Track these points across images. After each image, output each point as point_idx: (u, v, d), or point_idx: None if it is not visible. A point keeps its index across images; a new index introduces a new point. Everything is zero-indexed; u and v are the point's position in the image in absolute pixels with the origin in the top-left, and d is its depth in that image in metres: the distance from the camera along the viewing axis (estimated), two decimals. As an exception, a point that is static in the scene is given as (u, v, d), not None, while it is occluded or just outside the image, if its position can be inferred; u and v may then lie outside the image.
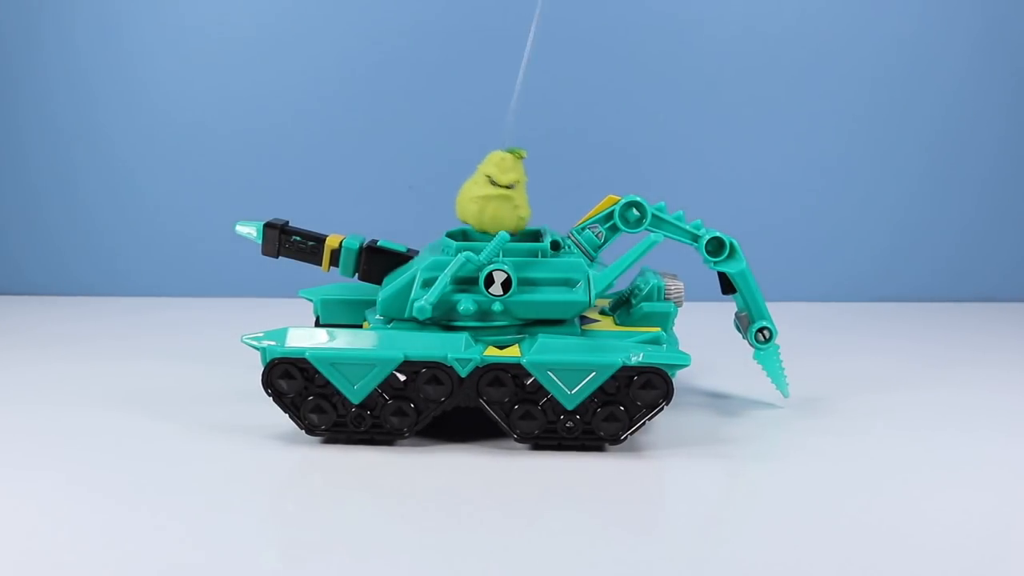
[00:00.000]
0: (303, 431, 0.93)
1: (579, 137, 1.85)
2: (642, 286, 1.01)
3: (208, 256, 1.86)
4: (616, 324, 1.01)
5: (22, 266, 1.90)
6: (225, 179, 1.85)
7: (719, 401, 1.10)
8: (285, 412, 0.92)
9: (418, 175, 1.85)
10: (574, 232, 1.01)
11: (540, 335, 0.92)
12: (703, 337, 1.18)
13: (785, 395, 1.07)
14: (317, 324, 1.11)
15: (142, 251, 1.88)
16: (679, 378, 1.14)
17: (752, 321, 1.03)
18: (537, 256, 0.94)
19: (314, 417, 0.92)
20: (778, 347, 1.05)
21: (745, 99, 1.85)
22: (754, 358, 1.05)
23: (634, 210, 1.00)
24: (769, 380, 1.07)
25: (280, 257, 1.05)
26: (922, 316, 1.72)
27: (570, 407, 0.90)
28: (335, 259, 1.03)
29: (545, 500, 0.79)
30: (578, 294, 0.92)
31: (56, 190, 1.88)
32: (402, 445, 0.92)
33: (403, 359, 0.89)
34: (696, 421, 1.02)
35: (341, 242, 1.02)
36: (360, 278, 1.05)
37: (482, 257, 0.91)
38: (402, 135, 1.84)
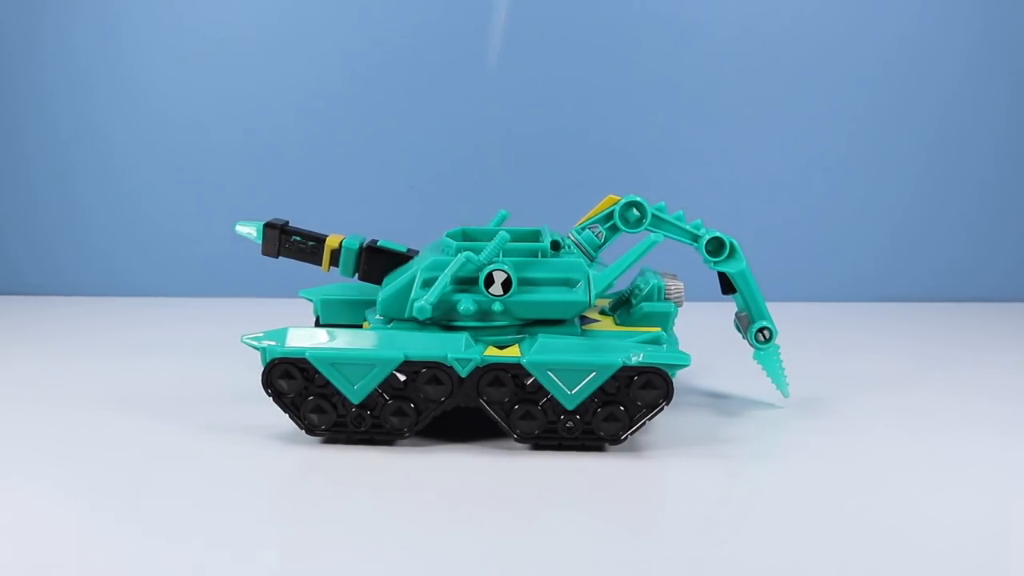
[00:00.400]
0: (303, 431, 0.93)
1: (579, 137, 1.85)
2: (642, 286, 1.01)
3: (206, 256, 1.86)
4: (616, 324, 1.01)
5: (19, 266, 1.90)
6: (223, 180, 1.85)
7: (719, 401, 1.10)
8: (285, 412, 0.92)
9: (418, 175, 1.85)
10: (574, 232, 1.01)
11: (540, 335, 0.92)
12: (703, 337, 1.18)
13: (785, 395, 1.07)
14: (317, 324, 1.11)
15: (140, 251, 1.88)
16: (679, 378, 1.13)
17: (752, 321, 1.03)
18: (537, 256, 0.94)
19: (314, 417, 0.92)
20: (778, 347, 1.04)
21: (745, 99, 1.85)
22: (754, 358, 1.05)
23: (634, 210, 1.00)
24: (769, 380, 1.07)
25: (280, 257, 1.05)
26: (923, 316, 1.72)
27: (570, 407, 0.90)
28: (335, 259, 1.03)
29: (545, 500, 0.79)
30: (578, 294, 0.92)
31: (53, 190, 1.87)
32: (402, 445, 0.92)
33: (403, 359, 0.89)
34: (696, 421, 1.02)
35: (341, 242, 1.02)
36: (360, 278, 1.05)
37: (482, 257, 0.91)
38: (402, 135, 1.84)
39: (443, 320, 0.92)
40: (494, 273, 0.91)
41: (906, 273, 1.92)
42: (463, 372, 0.89)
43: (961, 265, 1.93)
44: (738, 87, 1.84)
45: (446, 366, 0.89)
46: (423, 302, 0.90)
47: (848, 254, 1.91)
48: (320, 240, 1.03)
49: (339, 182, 1.85)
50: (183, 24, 1.80)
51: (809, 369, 1.21)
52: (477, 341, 0.92)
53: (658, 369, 0.89)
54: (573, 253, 0.98)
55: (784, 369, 1.06)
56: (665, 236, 1.00)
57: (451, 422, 0.97)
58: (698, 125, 1.85)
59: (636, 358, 0.89)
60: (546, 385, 0.89)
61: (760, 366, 1.06)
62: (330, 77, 1.81)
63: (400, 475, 0.84)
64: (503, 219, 1.11)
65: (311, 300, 1.11)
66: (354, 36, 1.80)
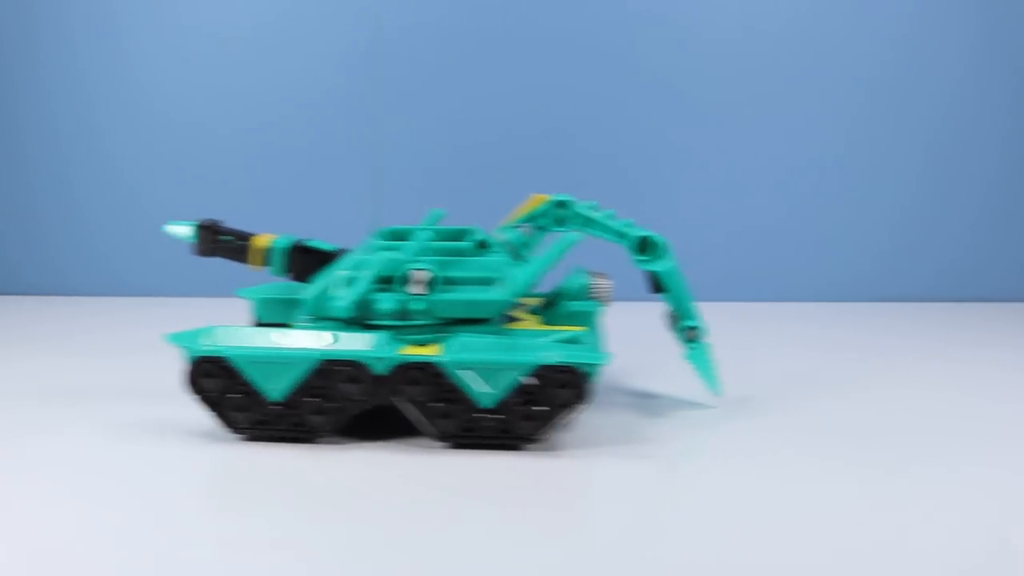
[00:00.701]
0: (226, 429, 0.94)
1: (579, 137, 1.86)
2: (568, 285, 1.01)
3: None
4: (543, 323, 1.01)
5: (18, 266, 1.93)
6: (222, 180, 1.87)
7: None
8: (208, 410, 0.93)
9: (417, 175, 1.86)
10: (502, 231, 1.01)
11: (460, 334, 0.92)
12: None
13: (717, 394, 1.06)
14: (258, 324, 1.12)
15: (139, 251, 1.91)
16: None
17: (680, 320, 1.02)
18: (460, 255, 0.95)
19: (236, 415, 0.93)
20: (708, 345, 1.04)
21: (744, 99, 1.85)
22: (685, 357, 1.05)
23: (562, 209, 1.00)
24: (701, 379, 1.06)
25: (215, 256, 1.06)
26: (924, 316, 1.71)
27: (488, 406, 0.90)
28: (267, 259, 1.04)
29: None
30: (499, 293, 0.92)
31: (52, 190, 1.90)
32: (324, 443, 0.93)
33: (321, 358, 0.90)
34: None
35: (271, 242, 1.03)
36: (293, 278, 1.05)
37: (405, 256, 0.92)
38: (402, 136, 1.85)
39: (365, 319, 0.93)
40: (416, 272, 0.91)
41: (907, 273, 1.91)
42: (378, 370, 0.90)
43: (962, 265, 1.92)
44: (737, 87, 1.84)
45: (364, 365, 0.90)
46: (344, 301, 0.91)
47: (848, 254, 1.90)
48: (247, 239, 1.04)
49: (338, 182, 1.87)
50: (183, 24, 1.82)
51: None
52: (398, 340, 0.92)
53: (574, 368, 0.89)
54: (500, 253, 0.98)
55: (715, 368, 1.05)
56: (594, 235, 1.00)
57: (377, 420, 0.97)
58: (697, 125, 1.85)
59: (552, 357, 0.89)
60: (463, 384, 0.89)
61: (691, 365, 1.05)
62: (331, 78, 1.83)
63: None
64: (436, 218, 1.11)
65: (250, 299, 1.12)
66: (354, 37, 1.82)
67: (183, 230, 1.05)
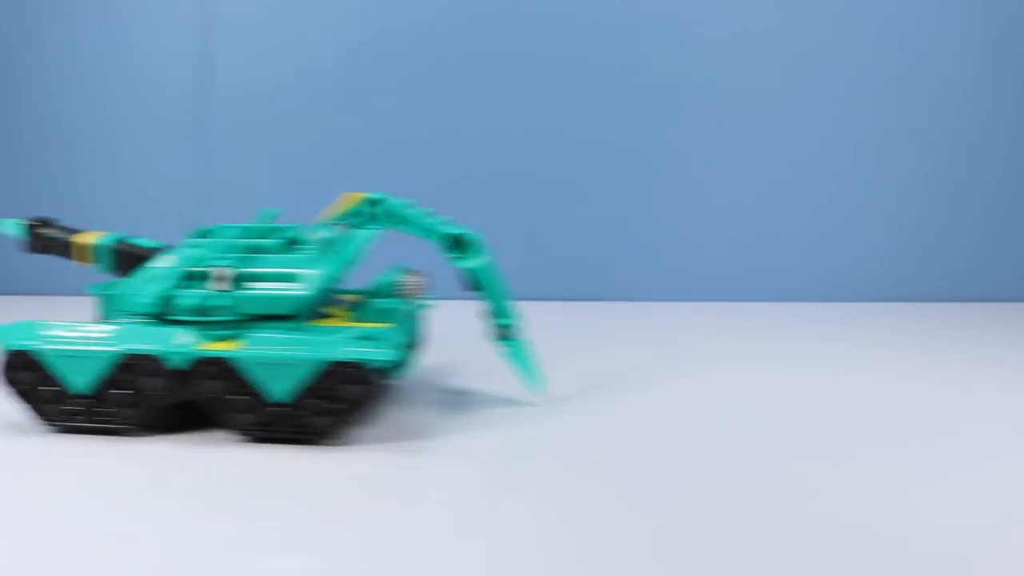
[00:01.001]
0: (38, 422, 0.96)
1: (587, 137, 1.87)
2: (380, 282, 1.02)
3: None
4: (355, 320, 1.02)
5: (19, 266, 1.95)
6: (225, 179, 1.89)
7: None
8: (20, 402, 0.96)
9: (417, 173, 1.88)
10: (314, 228, 1.02)
11: (259, 330, 0.93)
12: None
13: (538, 391, 1.06)
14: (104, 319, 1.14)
15: None
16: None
17: (494, 318, 1.03)
18: (264, 252, 0.96)
19: (47, 408, 0.95)
20: (525, 342, 1.04)
21: (749, 101, 1.85)
22: (502, 355, 1.05)
23: (375, 206, 1.01)
24: (520, 377, 1.06)
25: (47, 254, 1.09)
26: (928, 316, 1.71)
27: (281, 400, 0.91)
28: (93, 256, 1.06)
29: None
30: (301, 290, 0.94)
31: (54, 190, 1.92)
32: (135, 436, 0.95)
33: (121, 352, 0.92)
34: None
35: (93, 239, 1.05)
36: (121, 275, 1.07)
37: (208, 252, 0.94)
38: (403, 135, 1.88)
39: (169, 314, 0.95)
40: (218, 268, 0.93)
41: (913, 274, 1.90)
42: (176, 365, 0.92)
43: (968, 266, 1.90)
44: (743, 89, 1.85)
45: (159, 359, 0.92)
46: (146, 297, 0.93)
47: (854, 255, 1.90)
48: (70, 235, 1.06)
49: (338, 182, 1.88)
50: (186, 24, 1.85)
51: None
52: (201, 335, 0.94)
53: (360, 364, 0.90)
54: (310, 250, 0.99)
55: (535, 365, 1.05)
56: (407, 232, 1.01)
57: (198, 413, 0.98)
58: (701, 126, 1.86)
59: (340, 353, 0.90)
60: (256, 379, 0.91)
61: (509, 362, 1.05)
62: (334, 78, 1.85)
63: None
64: (270, 217, 1.13)
65: (98, 295, 1.14)
66: (355, 36, 1.84)
67: (11, 228, 1.08)
